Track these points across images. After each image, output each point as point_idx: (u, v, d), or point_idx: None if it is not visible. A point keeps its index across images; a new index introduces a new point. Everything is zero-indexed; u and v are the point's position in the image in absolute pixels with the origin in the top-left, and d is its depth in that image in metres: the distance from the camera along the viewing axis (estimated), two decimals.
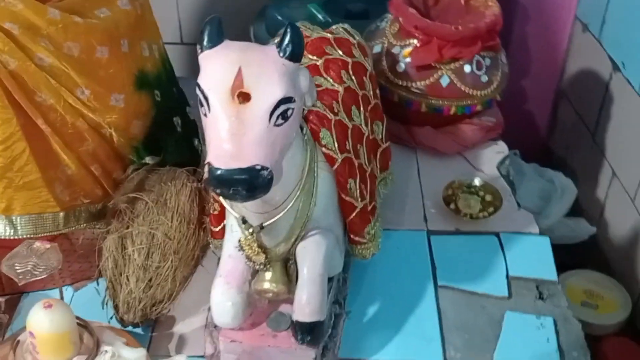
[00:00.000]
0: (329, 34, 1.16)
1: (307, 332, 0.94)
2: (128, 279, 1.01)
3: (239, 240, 0.94)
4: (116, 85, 1.05)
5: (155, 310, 1.03)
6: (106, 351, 0.91)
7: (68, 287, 1.12)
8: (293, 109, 0.81)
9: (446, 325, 1.08)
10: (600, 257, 1.27)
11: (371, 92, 1.17)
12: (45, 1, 0.95)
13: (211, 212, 1.06)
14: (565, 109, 1.82)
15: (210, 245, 1.13)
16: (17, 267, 0.87)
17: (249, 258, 0.94)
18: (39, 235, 0.98)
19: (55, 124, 0.97)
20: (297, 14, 1.87)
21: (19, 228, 0.97)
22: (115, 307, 1.02)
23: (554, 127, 1.89)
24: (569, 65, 1.83)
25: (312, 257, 0.94)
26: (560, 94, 1.85)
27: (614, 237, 1.52)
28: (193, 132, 1.26)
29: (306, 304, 0.93)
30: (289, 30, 0.81)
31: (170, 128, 1.18)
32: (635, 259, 1.41)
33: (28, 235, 0.97)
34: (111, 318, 1.03)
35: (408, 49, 1.36)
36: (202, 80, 0.80)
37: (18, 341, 0.91)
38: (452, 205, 1.27)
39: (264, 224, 0.91)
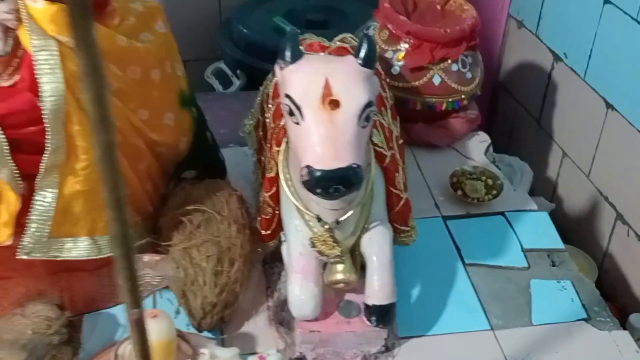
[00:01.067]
0: (345, 44, 1.26)
1: (382, 315, 1.04)
2: (202, 287, 1.06)
3: (311, 238, 1.02)
4: (167, 105, 1.10)
5: (228, 313, 1.09)
6: (203, 353, 0.97)
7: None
8: (373, 111, 0.90)
9: (482, 297, 1.20)
10: (559, 231, 1.44)
11: (386, 93, 1.28)
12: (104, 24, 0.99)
13: (262, 216, 1.13)
14: (505, 99, 2.00)
15: (259, 249, 1.20)
16: None
17: (321, 253, 1.02)
18: (107, 255, 1.02)
19: (121, 145, 1.01)
20: (261, 25, 1.96)
21: (102, 248, 1.00)
22: (191, 314, 1.07)
23: (495, 117, 2.06)
24: (505, 60, 2.01)
25: (380, 246, 1.04)
26: (498, 86, 2.03)
27: (570, 211, 1.70)
28: (217, 144, 1.32)
29: (380, 288, 1.03)
30: (365, 41, 0.91)
31: (204, 142, 1.24)
32: (595, 228, 1.59)
33: (107, 255, 1.01)
34: (188, 325, 1.08)
35: (401, 53, 1.48)
36: (292, 92, 0.88)
37: (117, 354, 0.95)
38: (460, 192, 1.40)
39: (339, 220, 0.99)
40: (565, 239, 1.36)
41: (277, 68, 0.94)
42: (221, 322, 1.09)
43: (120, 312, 1.15)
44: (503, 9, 1.95)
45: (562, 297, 1.21)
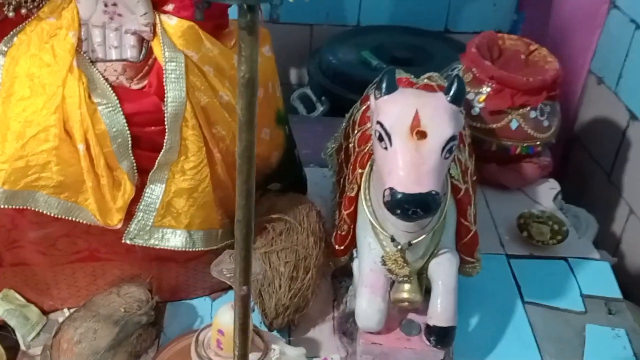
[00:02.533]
0: (432, 82, 1.35)
1: (442, 336, 1.11)
2: (277, 289, 1.15)
3: (382, 256, 1.10)
4: (266, 121, 1.21)
5: (297, 316, 1.18)
6: (274, 349, 1.06)
7: (206, 298, 1.26)
8: (455, 145, 0.99)
9: (538, 335, 1.26)
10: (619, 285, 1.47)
11: (465, 131, 1.36)
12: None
13: (338, 232, 1.22)
14: (578, 150, 2.03)
15: (330, 263, 1.28)
16: (225, 272, 1.02)
17: (391, 271, 1.10)
18: (204, 249, 1.13)
19: (223, 153, 1.13)
20: (349, 58, 2.07)
21: (196, 242, 1.11)
22: (264, 313, 1.16)
23: (567, 167, 2.09)
24: (582, 113, 2.05)
25: (446, 272, 1.11)
26: (573, 137, 2.06)
27: (632, 267, 1.72)
28: (301, 162, 1.42)
29: (442, 311, 1.10)
30: (456, 80, 0.99)
31: (292, 158, 1.34)
32: None
33: (199, 249, 1.12)
34: (260, 323, 1.17)
35: (482, 96, 1.56)
36: (384, 120, 0.98)
37: (197, 338, 1.05)
38: (525, 233, 1.46)
39: (411, 242, 1.07)
40: (624, 294, 1.39)
41: (371, 97, 1.04)
42: (290, 324, 1.18)
43: (199, 304, 1.26)
44: (585, 64, 2.00)
45: (615, 344, 1.25)
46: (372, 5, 2.32)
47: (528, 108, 1.55)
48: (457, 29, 2.35)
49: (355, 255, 1.22)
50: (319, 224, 1.27)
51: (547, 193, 1.64)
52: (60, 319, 1.19)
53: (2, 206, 0.98)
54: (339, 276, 1.32)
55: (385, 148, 0.98)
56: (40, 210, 1.00)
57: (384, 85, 1.01)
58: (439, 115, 0.98)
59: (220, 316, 1.01)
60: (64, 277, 1.16)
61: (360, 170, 1.17)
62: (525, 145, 1.58)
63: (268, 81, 1.21)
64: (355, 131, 1.33)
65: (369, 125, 1.29)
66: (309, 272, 1.19)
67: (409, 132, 0.97)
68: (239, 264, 0.61)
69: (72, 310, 1.19)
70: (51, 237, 1.09)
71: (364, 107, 1.36)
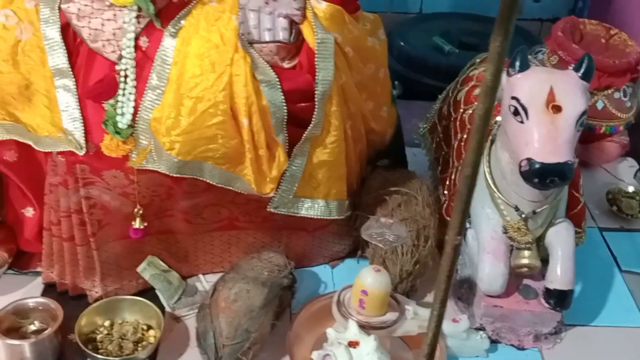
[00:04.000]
0: None
1: (561, 299, 1.19)
2: (400, 257, 1.23)
3: (504, 225, 1.18)
4: (384, 100, 1.29)
5: (418, 282, 1.26)
6: (408, 309, 1.14)
7: (326, 266, 1.35)
8: (586, 118, 1.06)
9: (638, 300, 1.33)
10: None
11: None
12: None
13: (450, 204, 1.31)
14: None
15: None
16: (374, 236, 1.10)
17: (512, 239, 1.18)
18: (339, 217, 1.21)
19: (352, 129, 1.21)
20: (420, 43, 2.15)
21: (332, 211, 1.19)
22: None
23: None
24: None
25: (565, 239, 1.19)
26: None
27: None
28: None
29: (562, 275, 1.18)
30: (586, 58, 1.07)
31: (400, 136, 1.42)
32: None
33: (334, 217, 1.20)
34: None
35: None
36: (520, 95, 1.06)
37: (339, 299, 1.13)
38: (615, 207, 1.54)
39: (535, 211, 1.15)
40: None
41: (504, 75, 1.11)
42: (412, 289, 1.27)
43: (319, 271, 1.35)
44: None
45: None
46: None
47: (613, 89, 1.62)
48: (517, 16, 2.41)
49: (468, 226, 1.30)
50: (432, 197, 1.35)
51: (627, 170, 1.72)
52: (197, 284, 1.28)
53: (174, 174, 1.06)
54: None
55: (521, 122, 1.06)
56: (205, 179, 1.08)
57: (517, 64, 1.09)
58: (572, 91, 1.06)
59: (364, 278, 1.10)
60: (203, 245, 1.25)
61: None
62: (609, 125, 1.65)
63: (385, 62, 1.29)
64: (461, 110, 1.40)
65: (477, 103, 1.37)
66: (428, 240, 1.27)
67: (545, 106, 1.05)
68: (456, 217, 0.69)
69: (206, 275, 1.29)
70: (199, 207, 1.17)
71: (467, 88, 1.44)
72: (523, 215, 1.16)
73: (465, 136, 1.34)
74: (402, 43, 2.15)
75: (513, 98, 1.07)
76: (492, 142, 1.21)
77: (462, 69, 1.54)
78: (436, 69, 2.05)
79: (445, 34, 2.20)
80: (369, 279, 1.09)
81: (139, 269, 1.21)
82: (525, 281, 1.24)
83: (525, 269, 1.21)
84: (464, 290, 1.30)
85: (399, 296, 1.17)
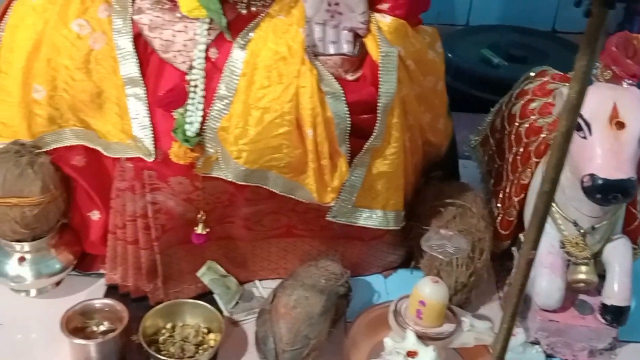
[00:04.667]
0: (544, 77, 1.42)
1: (617, 315, 1.18)
2: (455, 268, 1.24)
3: (561, 240, 1.19)
4: (441, 112, 1.31)
5: (473, 294, 1.27)
6: (464, 321, 1.15)
7: (379, 275, 1.36)
8: None
9: None
10: None
11: None
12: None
13: (506, 217, 1.31)
14: None
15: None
16: (435, 247, 1.12)
17: (570, 254, 1.19)
18: (397, 228, 1.23)
19: (410, 141, 1.22)
20: (469, 55, 2.15)
21: (390, 221, 1.21)
22: None
23: None
24: None
25: (622, 255, 1.19)
26: None
27: None
28: None
29: (619, 291, 1.18)
30: None
31: (454, 148, 1.43)
32: None
33: (392, 227, 1.22)
34: None
35: None
36: (583, 111, 1.06)
37: (395, 309, 1.14)
38: None
39: (594, 226, 1.16)
40: None
41: (564, 90, 1.12)
42: (466, 301, 1.27)
43: (373, 280, 1.36)
44: None
45: None
46: (482, 5, 2.40)
47: None
48: (564, 29, 2.41)
49: (522, 239, 1.30)
50: (486, 210, 1.35)
51: None
52: (254, 289, 1.31)
53: (240, 182, 1.09)
54: (498, 259, 1.41)
55: (584, 137, 1.06)
56: (268, 188, 1.11)
57: None
58: (635, 107, 1.06)
59: (422, 289, 1.11)
60: (260, 251, 1.28)
61: (535, 159, 1.26)
62: None
63: (442, 74, 1.31)
64: (516, 124, 1.41)
65: (533, 117, 1.38)
66: (483, 253, 1.28)
67: (608, 122, 1.05)
68: (530, 233, 0.71)
69: (262, 281, 1.32)
70: (260, 214, 1.20)
71: (522, 101, 1.44)
72: (582, 231, 1.17)
73: (521, 150, 1.34)
74: (449, 55, 2.15)
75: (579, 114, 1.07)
76: None
77: (516, 83, 1.54)
78: (485, 81, 2.06)
79: (494, 46, 2.21)
80: (427, 290, 1.10)
81: (198, 274, 1.24)
82: (581, 296, 1.24)
83: (582, 285, 1.21)
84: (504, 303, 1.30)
85: (455, 308, 1.18)
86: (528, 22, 2.32)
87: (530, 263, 0.74)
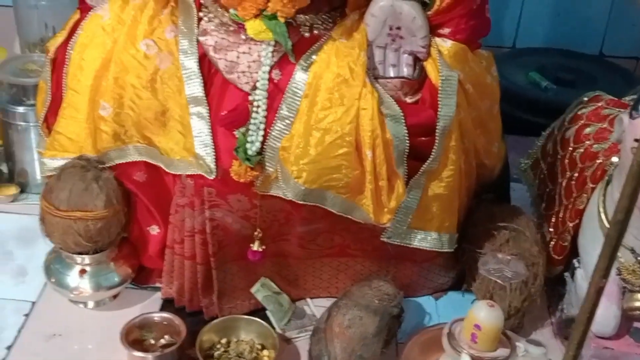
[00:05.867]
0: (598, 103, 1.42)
1: None
2: (509, 293, 1.24)
3: (618, 267, 1.18)
4: (496, 135, 1.32)
5: (525, 319, 1.26)
6: (519, 346, 1.14)
7: (429, 297, 1.37)
8: None
9: None
10: None
11: None
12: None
13: (559, 242, 1.31)
14: None
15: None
16: (492, 272, 1.12)
17: (626, 281, 1.18)
18: (450, 250, 1.23)
19: (465, 163, 1.23)
20: (516, 78, 2.15)
21: (444, 243, 1.22)
22: None
23: None
24: None
25: None
26: None
27: None
28: None
29: None
30: None
31: (507, 171, 1.44)
32: None
33: (446, 250, 1.22)
34: None
35: None
36: None
37: (450, 331, 1.15)
38: None
39: None
40: None
41: (626, 117, 1.12)
42: (518, 326, 1.27)
43: (423, 302, 1.36)
44: None
45: None
46: (529, 28, 2.39)
47: None
48: (612, 53, 2.39)
49: (577, 265, 1.29)
50: (539, 235, 1.35)
51: None
52: (305, 307, 1.32)
53: (299, 201, 1.11)
54: (550, 284, 1.40)
55: None
56: (326, 207, 1.12)
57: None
58: None
59: (477, 312, 1.11)
60: (312, 270, 1.29)
61: (591, 185, 1.26)
62: None
63: (498, 98, 1.31)
64: (570, 148, 1.40)
65: (588, 142, 1.37)
66: (537, 278, 1.27)
67: None
68: (604, 259, 0.71)
69: (313, 299, 1.33)
70: (315, 233, 1.21)
71: (576, 126, 1.44)
72: (639, 258, 1.15)
73: (576, 175, 1.34)
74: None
75: (637, 140, 1.07)
76: (608, 183, 1.21)
77: (569, 107, 1.54)
78: (533, 105, 2.05)
79: (541, 69, 2.20)
80: (482, 314, 1.10)
81: (252, 290, 1.26)
82: (636, 324, 1.23)
83: (638, 312, 1.19)
84: (571, 330, 1.29)
85: (510, 332, 1.18)
86: (575, 44, 2.31)
87: (600, 291, 0.74)
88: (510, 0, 2.27)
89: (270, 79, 1.12)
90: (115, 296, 1.28)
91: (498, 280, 1.13)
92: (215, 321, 1.20)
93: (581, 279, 1.27)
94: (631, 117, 1.11)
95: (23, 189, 1.54)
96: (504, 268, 1.14)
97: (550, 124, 1.59)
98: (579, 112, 1.47)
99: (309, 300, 1.33)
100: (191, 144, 1.14)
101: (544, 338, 1.30)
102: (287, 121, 1.10)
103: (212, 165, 1.13)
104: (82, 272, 1.22)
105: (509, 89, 2.13)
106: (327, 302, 1.29)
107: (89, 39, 1.18)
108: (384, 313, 1.18)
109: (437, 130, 1.11)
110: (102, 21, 1.18)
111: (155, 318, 1.18)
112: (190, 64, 1.14)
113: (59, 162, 1.20)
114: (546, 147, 1.53)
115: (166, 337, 1.17)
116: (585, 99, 1.53)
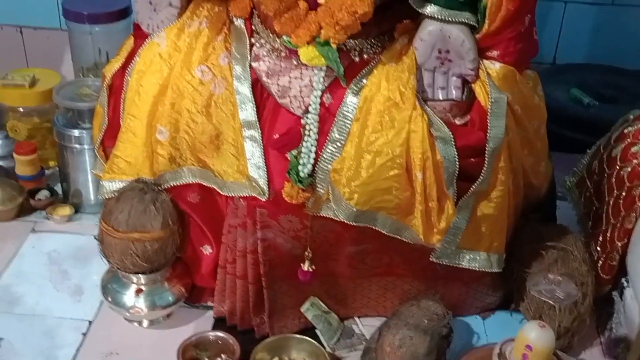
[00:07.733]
0: None
1: None
2: (558, 313, 1.24)
3: None
4: (543, 155, 1.32)
5: (576, 339, 1.26)
6: None
7: (477, 316, 1.37)
8: None
9: None
10: None
11: None
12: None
13: (608, 262, 1.30)
14: None
15: None
16: (544, 293, 1.13)
17: None
18: (498, 270, 1.24)
19: (513, 183, 1.24)
20: (557, 95, 2.14)
21: (493, 263, 1.23)
22: None
23: None
24: None
25: None
26: None
27: None
28: None
29: None
30: None
31: (553, 190, 1.44)
32: None
33: (495, 270, 1.23)
34: None
35: None
36: None
37: (500, 352, 1.15)
38: None
39: None
40: None
41: None
42: (568, 346, 1.26)
43: (471, 321, 1.37)
44: None
45: None
46: (569, 44, 2.38)
47: None
48: None
49: (626, 285, 1.29)
50: (587, 253, 1.35)
51: None
52: (354, 326, 1.34)
53: (351, 223, 1.13)
54: (598, 303, 1.39)
55: None
56: (377, 229, 1.14)
57: None
58: None
59: (528, 333, 1.11)
60: (361, 289, 1.31)
61: (639, 204, 1.25)
62: None
63: (545, 117, 1.32)
64: (617, 167, 1.40)
65: (635, 162, 1.37)
66: (586, 297, 1.27)
67: None
68: None
69: (361, 318, 1.34)
70: (364, 253, 1.23)
71: (623, 145, 1.44)
72: None
73: (624, 194, 1.33)
74: None
75: None
76: None
77: (614, 125, 1.54)
78: (575, 121, 2.04)
79: (582, 85, 2.19)
80: (533, 334, 1.10)
81: (302, 309, 1.28)
82: None
83: None
84: (620, 350, 1.28)
85: (561, 353, 1.18)
86: (616, 60, 2.29)
87: None
88: (550, 16, 2.26)
89: (321, 103, 1.14)
90: (168, 315, 1.31)
91: (549, 301, 1.14)
92: (267, 340, 1.22)
93: (630, 299, 1.27)
94: None
95: (77, 209, 1.59)
96: (555, 289, 1.14)
97: (593, 141, 1.59)
98: (625, 131, 1.47)
99: (357, 319, 1.35)
100: (244, 166, 1.17)
101: (593, 358, 1.30)
102: (338, 144, 1.13)
103: (265, 187, 1.16)
104: (138, 291, 1.26)
105: (550, 106, 2.10)
106: (375, 321, 1.30)
107: (147, 65, 1.22)
108: (434, 333, 1.19)
109: (486, 152, 1.13)
110: (159, 48, 1.22)
111: (211, 337, 1.21)
112: (244, 89, 1.17)
113: (117, 185, 1.25)
114: (592, 166, 1.53)
115: (223, 356, 1.19)
116: (631, 116, 1.53)
